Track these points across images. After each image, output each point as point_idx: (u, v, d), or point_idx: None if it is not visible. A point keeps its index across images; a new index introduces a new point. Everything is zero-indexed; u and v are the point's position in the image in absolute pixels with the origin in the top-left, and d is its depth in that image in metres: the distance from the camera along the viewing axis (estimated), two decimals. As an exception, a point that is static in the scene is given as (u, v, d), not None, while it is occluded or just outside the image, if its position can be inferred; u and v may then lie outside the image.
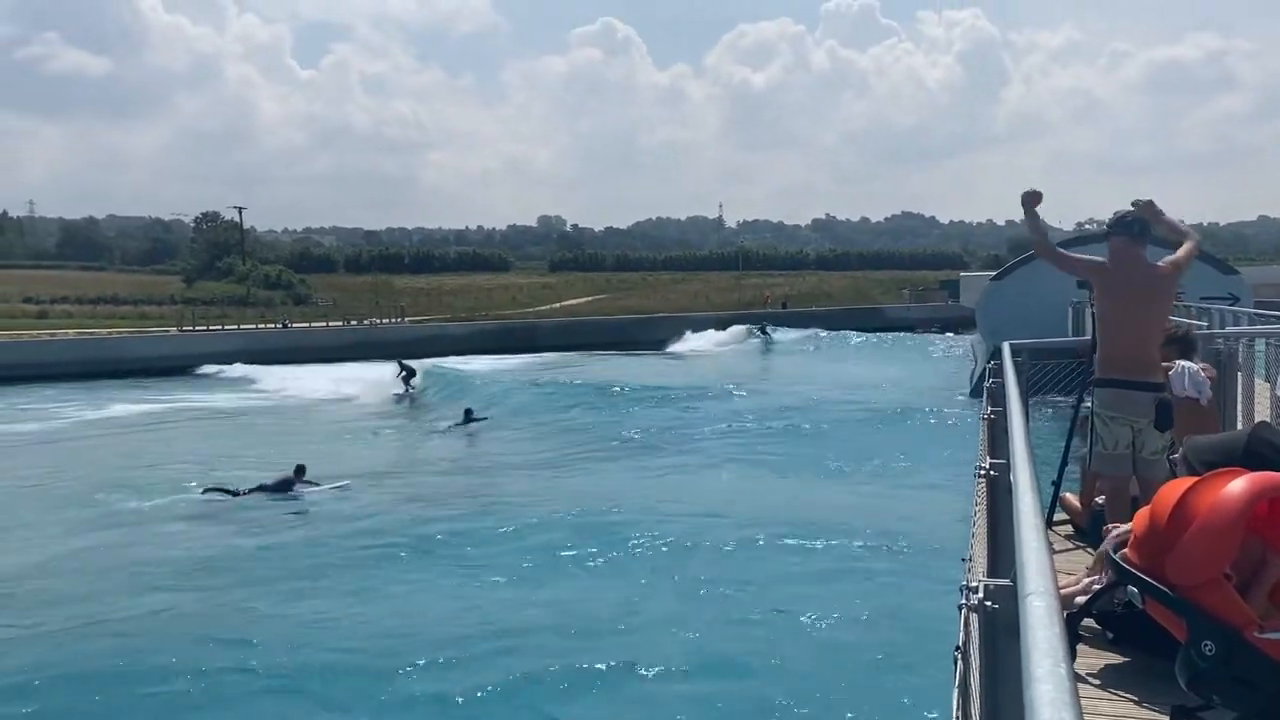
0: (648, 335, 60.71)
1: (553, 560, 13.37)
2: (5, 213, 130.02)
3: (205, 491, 18.24)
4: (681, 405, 30.42)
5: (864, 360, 46.39)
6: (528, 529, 15.04)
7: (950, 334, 57.74)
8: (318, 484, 18.66)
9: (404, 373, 36.64)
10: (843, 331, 59.56)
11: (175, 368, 46.69)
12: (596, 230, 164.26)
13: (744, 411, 28.70)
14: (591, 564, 13.27)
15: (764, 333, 58.73)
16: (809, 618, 10.67)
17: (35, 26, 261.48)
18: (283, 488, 18.14)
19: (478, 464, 23.37)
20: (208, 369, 47.54)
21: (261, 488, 18.07)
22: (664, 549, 13.56)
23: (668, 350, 57.45)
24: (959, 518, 9.47)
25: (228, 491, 18.04)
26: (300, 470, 18.57)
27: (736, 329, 60.81)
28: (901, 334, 59.88)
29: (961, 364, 39.88)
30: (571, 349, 53.79)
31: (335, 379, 39.10)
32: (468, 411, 28.77)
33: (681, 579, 12.30)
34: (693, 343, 59.26)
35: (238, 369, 46.35)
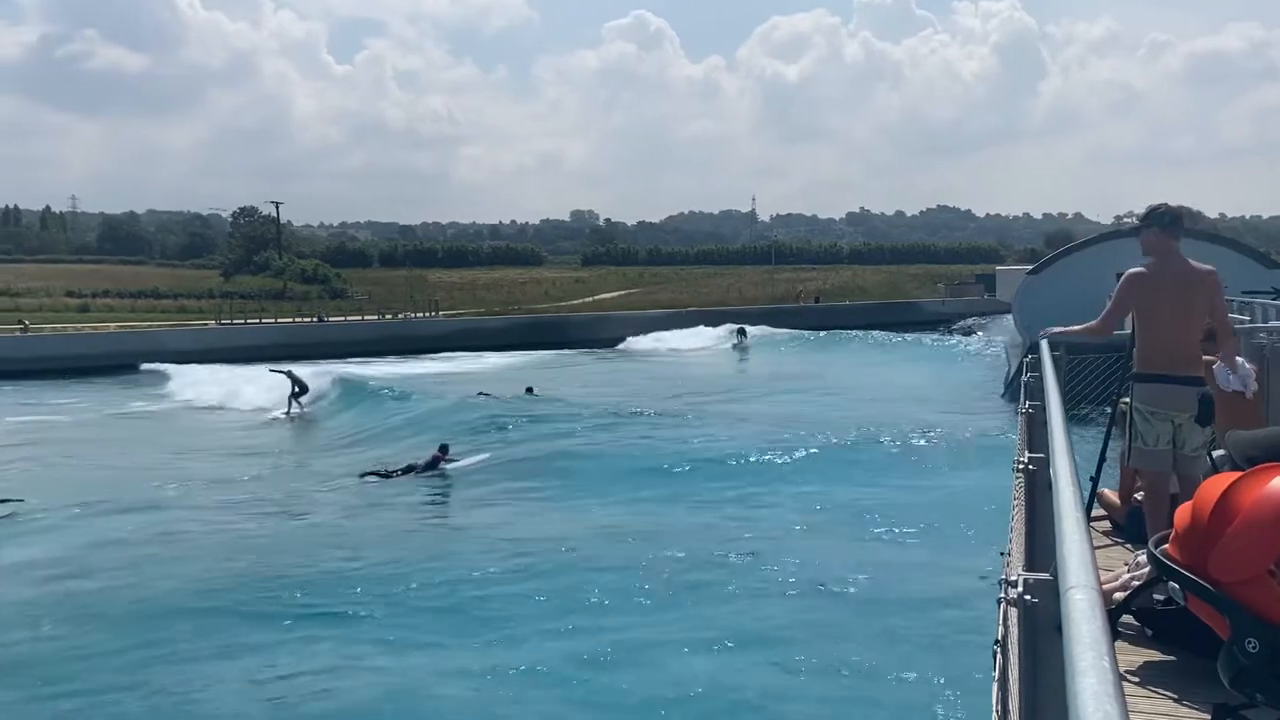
0: (599, 335, 58.23)
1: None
2: (48, 208, 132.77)
3: (363, 475, 19.85)
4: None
5: (871, 365, 42.18)
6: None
7: (978, 334, 54.66)
8: (457, 460, 20.34)
9: (294, 387, 30.25)
10: (845, 331, 56.51)
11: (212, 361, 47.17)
12: (629, 224, 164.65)
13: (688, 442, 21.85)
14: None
15: (741, 335, 54.93)
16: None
17: (75, 24, 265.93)
18: (432, 465, 19.75)
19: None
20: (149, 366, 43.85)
21: (411, 468, 19.74)
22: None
23: (620, 350, 55.14)
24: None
25: (382, 473, 19.71)
26: (445, 449, 20.30)
27: (704, 330, 57.83)
28: (912, 334, 55.85)
29: (988, 369, 37.90)
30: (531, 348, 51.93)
31: (239, 384, 34.42)
32: (528, 390, 29.90)
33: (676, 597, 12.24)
34: (645, 343, 56.43)
35: (167, 368, 42.20)
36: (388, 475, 19.34)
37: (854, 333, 56.46)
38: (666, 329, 59.40)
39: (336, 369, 36.07)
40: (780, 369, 42.23)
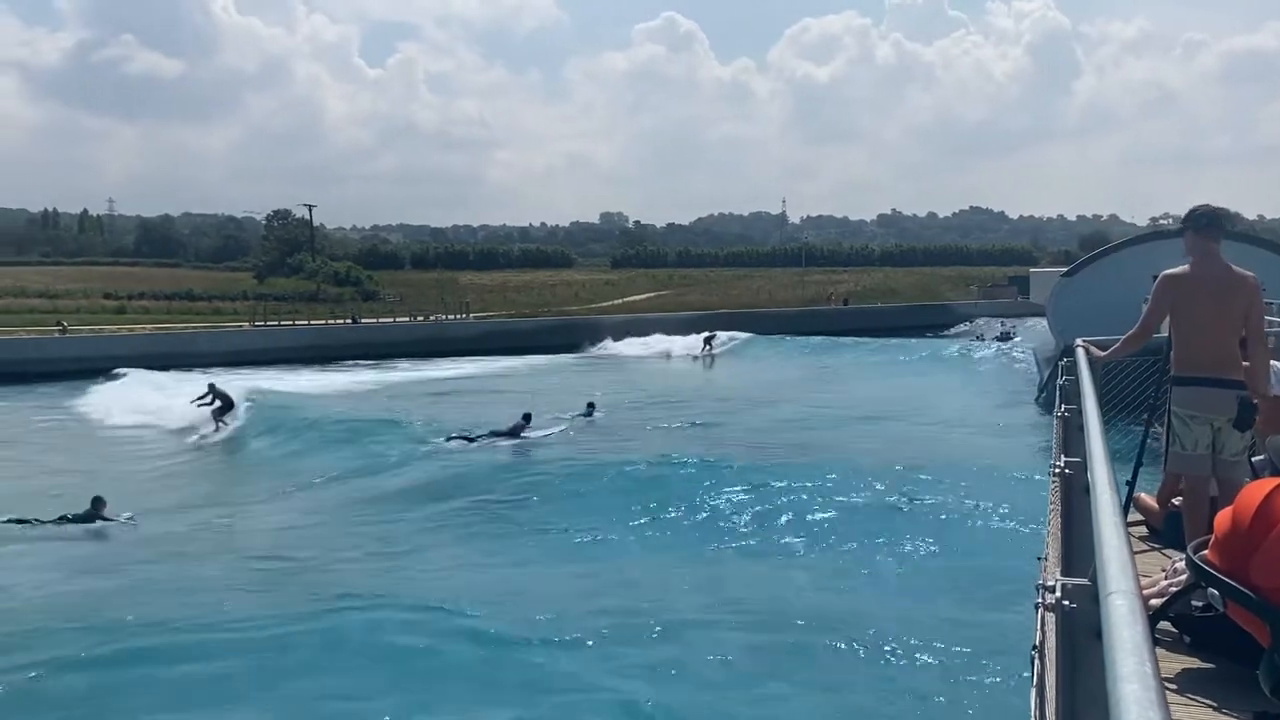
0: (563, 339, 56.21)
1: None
2: (86, 211, 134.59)
3: (449, 439, 20.91)
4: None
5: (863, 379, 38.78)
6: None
7: (999, 342, 50.18)
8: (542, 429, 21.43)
9: (213, 401, 27.40)
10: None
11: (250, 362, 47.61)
12: (659, 226, 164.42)
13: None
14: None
15: (707, 344, 51.17)
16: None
17: (112, 30, 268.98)
18: (513, 433, 20.67)
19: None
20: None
21: (494, 433, 20.80)
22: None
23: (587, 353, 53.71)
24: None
25: (467, 438, 20.73)
26: (528, 417, 21.17)
27: (676, 338, 54.17)
28: (914, 339, 52.14)
29: (1012, 380, 35.63)
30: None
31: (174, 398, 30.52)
32: (590, 405, 26.71)
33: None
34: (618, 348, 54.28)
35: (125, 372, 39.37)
36: (472, 440, 20.35)
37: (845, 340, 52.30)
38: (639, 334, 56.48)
39: (261, 383, 33.02)
40: (748, 380, 38.71)
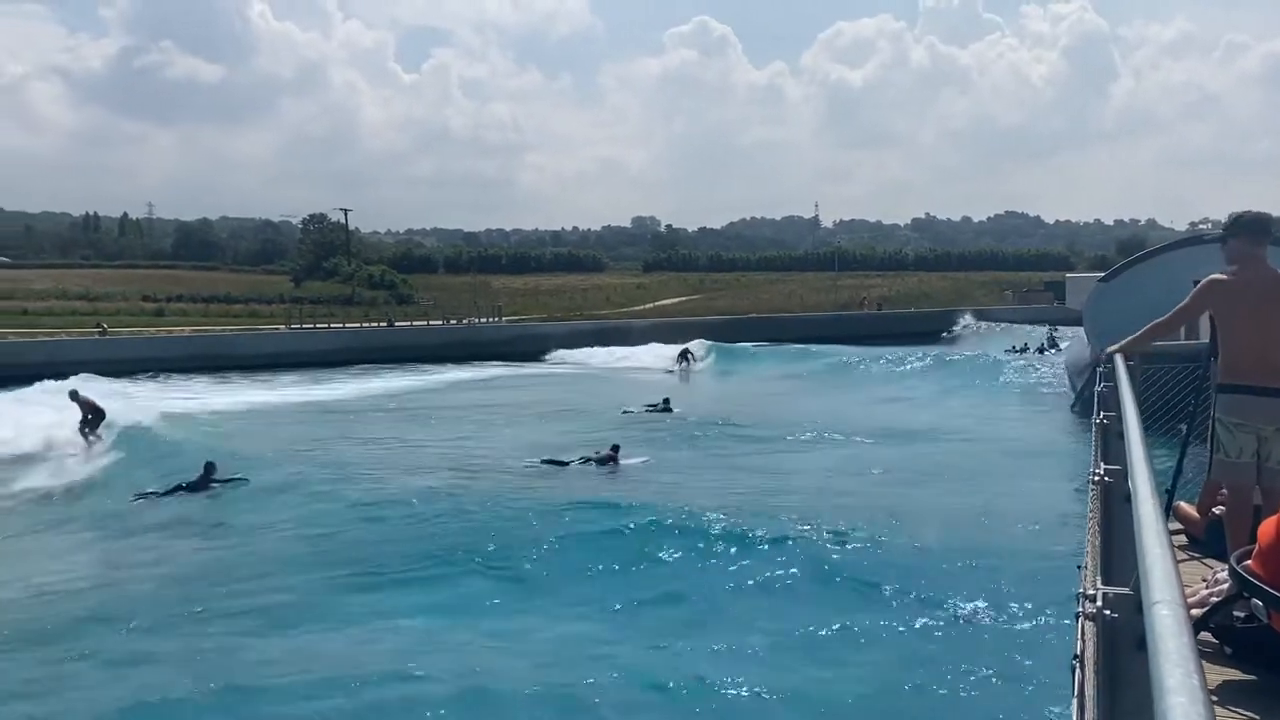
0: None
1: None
2: (126, 215, 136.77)
3: (543, 462, 20.60)
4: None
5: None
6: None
7: (1018, 353, 45.79)
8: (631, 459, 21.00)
9: (84, 414, 23.63)
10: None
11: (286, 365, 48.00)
12: (690, 230, 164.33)
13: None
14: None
15: (685, 359, 48.28)
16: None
17: (153, 36, 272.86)
18: (604, 461, 20.51)
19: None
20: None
21: (587, 460, 20.51)
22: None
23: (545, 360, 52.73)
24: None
25: (559, 463, 20.46)
26: (616, 448, 20.99)
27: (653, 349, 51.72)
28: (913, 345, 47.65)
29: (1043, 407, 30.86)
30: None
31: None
32: (665, 400, 28.70)
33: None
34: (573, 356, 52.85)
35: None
36: (564, 464, 20.22)
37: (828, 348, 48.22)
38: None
39: (156, 404, 28.56)
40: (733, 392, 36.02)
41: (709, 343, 52.72)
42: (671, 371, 46.58)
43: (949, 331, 65.34)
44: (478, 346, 54.54)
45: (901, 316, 71.36)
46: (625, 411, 28.84)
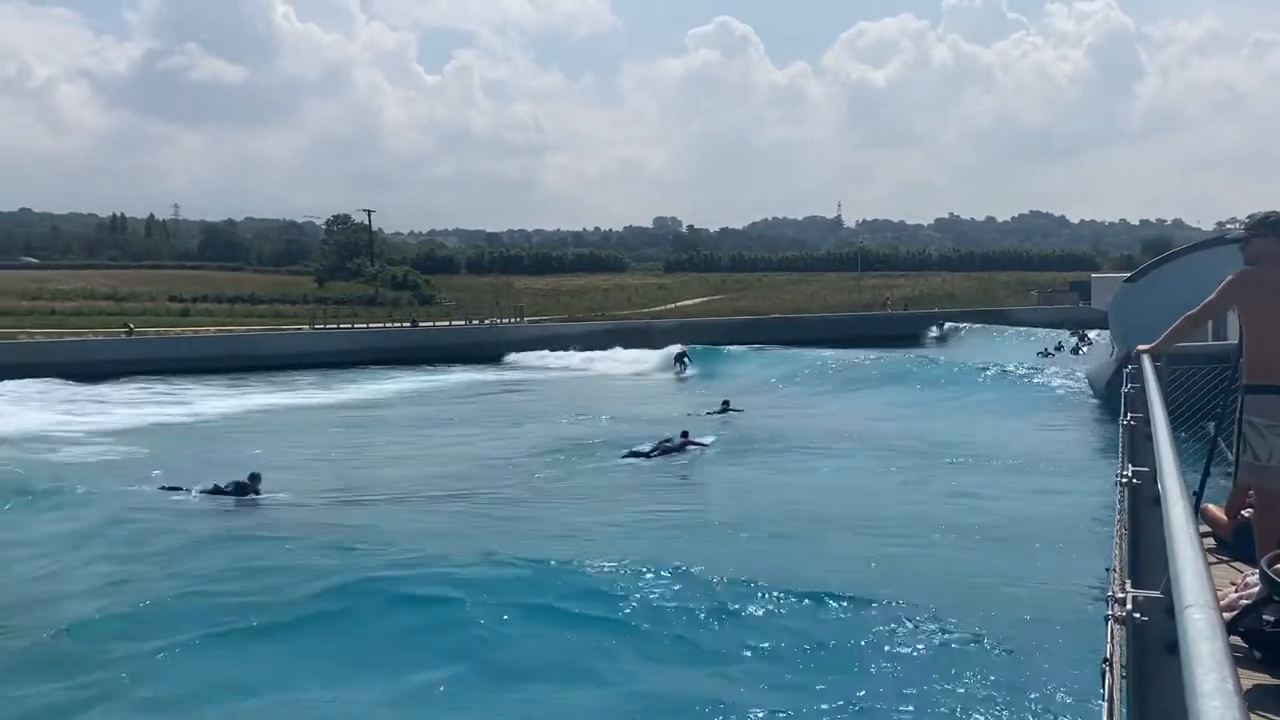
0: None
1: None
2: (153, 216, 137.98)
3: (625, 456, 21.20)
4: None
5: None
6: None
7: (1073, 353, 44.41)
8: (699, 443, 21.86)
9: None
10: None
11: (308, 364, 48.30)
12: (712, 231, 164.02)
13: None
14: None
15: (681, 363, 46.66)
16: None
17: (178, 38, 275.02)
18: (679, 448, 21.31)
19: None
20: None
21: (666, 450, 21.25)
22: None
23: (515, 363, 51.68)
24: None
25: (638, 454, 21.12)
26: (686, 434, 21.71)
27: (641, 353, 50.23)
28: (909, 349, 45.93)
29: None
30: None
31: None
32: (725, 403, 28.95)
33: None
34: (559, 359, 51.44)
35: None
36: (646, 456, 20.80)
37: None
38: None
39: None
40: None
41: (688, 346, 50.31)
42: (680, 376, 45.53)
43: (937, 330, 63.40)
44: (498, 346, 54.79)
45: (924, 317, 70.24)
46: (688, 415, 28.10)
